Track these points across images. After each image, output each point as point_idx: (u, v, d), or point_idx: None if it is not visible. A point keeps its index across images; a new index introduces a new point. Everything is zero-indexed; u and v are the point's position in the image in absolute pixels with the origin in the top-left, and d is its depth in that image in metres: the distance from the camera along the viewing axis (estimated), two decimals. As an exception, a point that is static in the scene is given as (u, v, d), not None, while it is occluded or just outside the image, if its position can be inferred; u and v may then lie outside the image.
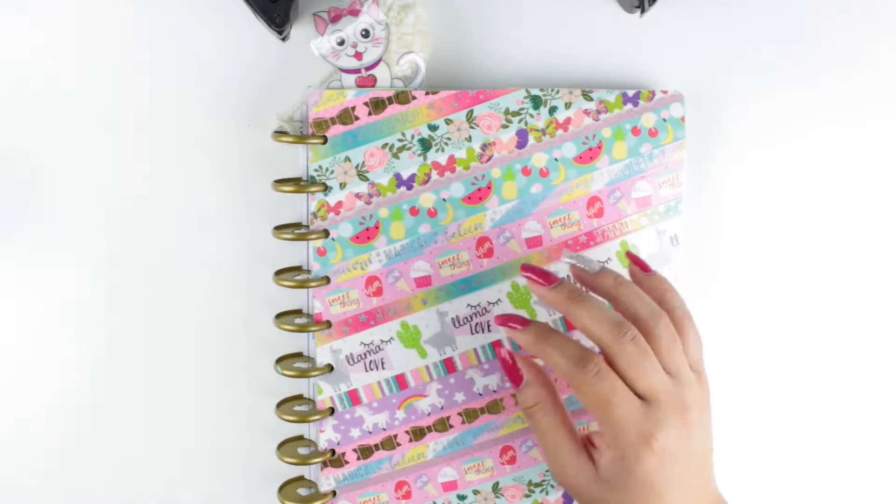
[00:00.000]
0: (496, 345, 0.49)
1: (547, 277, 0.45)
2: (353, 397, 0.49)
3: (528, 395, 0.45)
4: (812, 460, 0.54)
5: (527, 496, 0.51)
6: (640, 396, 0.41)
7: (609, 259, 0.50)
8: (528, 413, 0.45)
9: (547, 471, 0.50)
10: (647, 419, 0.41)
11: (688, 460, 0.42)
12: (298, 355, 0.50)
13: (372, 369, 0.49)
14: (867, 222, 0.53)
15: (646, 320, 0.42)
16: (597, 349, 0.44)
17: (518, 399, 0.46)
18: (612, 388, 0.41)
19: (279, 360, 0.50)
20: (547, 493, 0.51)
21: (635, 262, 0.47)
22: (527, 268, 0.45)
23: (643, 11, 0.48)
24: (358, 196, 0.48)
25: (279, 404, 0.50)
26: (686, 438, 0.42)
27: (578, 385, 0.42)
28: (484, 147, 0.49)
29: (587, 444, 0.45)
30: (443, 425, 0.50)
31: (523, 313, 0.49)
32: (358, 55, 0.48)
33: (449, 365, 0.50)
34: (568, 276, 0.48)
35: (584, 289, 0.44)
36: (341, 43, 0.47)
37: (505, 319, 0.45)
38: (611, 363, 0.42)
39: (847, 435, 0.54)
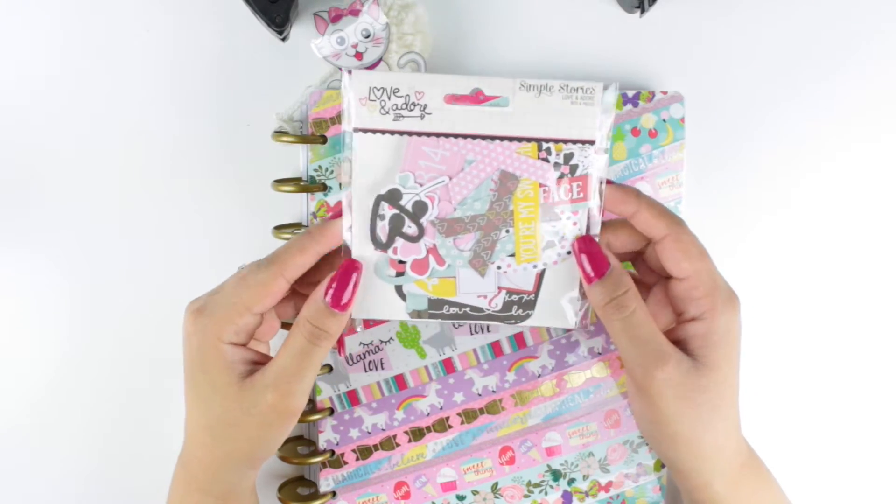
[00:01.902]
0: (582, 239, 0.42)
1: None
2: (353, 397, 0.49)
3: (619, 281, 0.41)
4: (811, 460, 0.54)
5: (526, 496, 0.51)
6: None
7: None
8: (619, 303, 0.41)
9: (546, 471, 0.50)
10: (728, 285, 0.42)
11: None
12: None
13: (371, 370, 0.49)
14: (867, 222, 0.53)
15: (673, 226, 0.42)
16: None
17: (604, 289, 0.41)
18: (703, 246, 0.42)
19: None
20: (546, 494, 0.51)
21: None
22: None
23: (643, 11, 0.48)
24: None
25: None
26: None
27: (680, 234, 0.41)
28: (484, 147, 0.49)
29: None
30: (442, 426, 0.50)
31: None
32: (358, 55, 0.48)
33: (448, 365, 0.50)
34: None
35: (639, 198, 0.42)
36: (342, 43, 0.47)
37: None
38: None
39: (847, 434, 0.54)
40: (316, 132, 0.48)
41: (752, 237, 0.52)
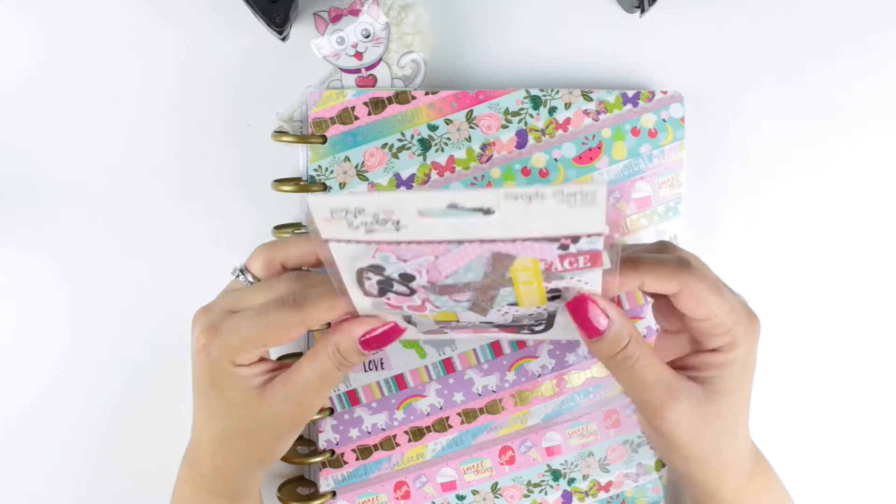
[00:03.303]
0: (574, 301, 0.40)
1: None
2: (352, 397, 0.49)
3: (620, 333, 0.40)
4: (810, 460, 0.54)
5: (526, 496, 0.50)
6: None
7: (609, 259, 0.49)
8: (625, 355, 0.40)
9: (546, 471, 0.50)
10: (743, 302, 0.41)
11: None
12: (298, 355, 0.50)
13: (371, 369, 0.49)
14: (867, 222, 0.53)
15: (682, 274, 0.40)
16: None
17: (606, 342, 0.40)
18: (714, 274, 0.41)
19: (278, 360, 0.50)
20: (546, 494, 0.51)
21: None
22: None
23: (643, 11, 0.48)
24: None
25: (278, 404, 0.50)
26: None
27: (691, 285, 0.39)
28: (483, 147, 0.49)
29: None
30: (442, 425, 0.50)
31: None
32: (358, 55, 0.48)
33: (448, 365, 0.50)
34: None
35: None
36: (341, 43, 0.47)
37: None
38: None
39: (847, 434, 0.54)
40: (316, 132, 0.48)
41: (752, 237, 0.52)
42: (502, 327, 0.43)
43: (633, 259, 0.40)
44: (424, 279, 0.39)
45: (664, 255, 0.41)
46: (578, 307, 0.40)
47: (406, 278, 0.39)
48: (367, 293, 0.40)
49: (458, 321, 0.42)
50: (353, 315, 0.40)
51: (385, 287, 0.39)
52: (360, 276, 0.39)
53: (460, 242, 0.37)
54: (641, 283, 0.40)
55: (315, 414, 0.42)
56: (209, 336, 0.40)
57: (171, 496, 0.46)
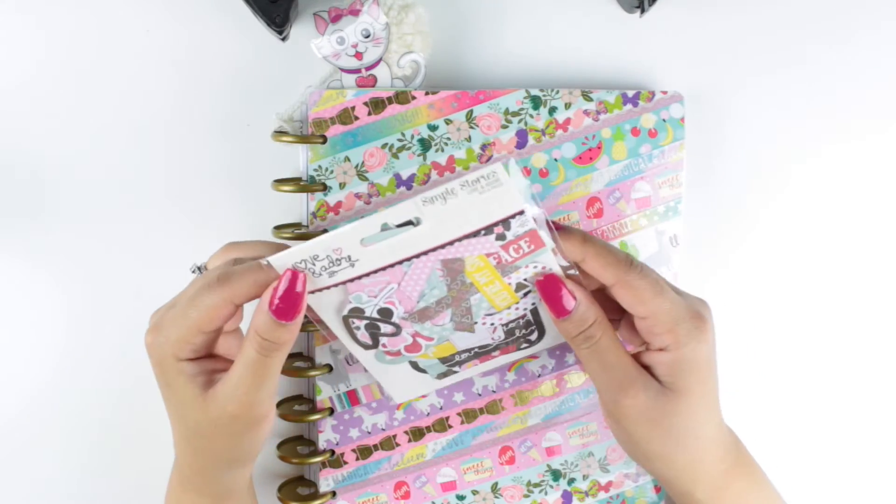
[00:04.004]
0: (545, 280, 0.42)
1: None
2: (352, 397, 0.49)
3: (585, 315, 0.41)
4: (810, 460, 0.54)
5: (525, 496, 0.51)
6: None
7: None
8: (587, 335, 0.41)
9: (546, 471, 0.50)
10: (690, 303, 0.41)
11: (716, 365, 0.43)
12: (298, 355, 0.50)
13: (371, 369, 0.49)
14: (867, 222, 0.53)
15: (621, 273, 0.41)
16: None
17: (572, 324, 0.41)
18: (657, 279, 0.41)
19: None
20: (546, 494, 0.51)
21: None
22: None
23: (643, 11, 0.48)
24: (357, 196, 0.48)
25: (278, 404, 0.50)
26: (714, 339, 0.42)
27: (630, 279, 0.40)
28: (483, 147, 0.49)
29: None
30: (442, 426, 0.50)
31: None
32: (358, 55, 0.48)
33: (448, 365, 0.50)
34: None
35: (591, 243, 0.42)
36: (341, 43, 0.47)
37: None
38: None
39: (846, 435, 0.54)
40: (316, 132, 0.48)
41: (752, 237, 0.52)
42: (502, 349, 0.45)
43: (585, 235, 0.41)
44: (401, 310, 0.42)
45: (615, 248, 0.42)
46: (548, 286, 0.41)
47: (385, 314, 0.42)
48: (364, 346, 0.43)
49: (457, 352, 0.45)
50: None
51: (374, 331, 0.43)
52: (349, 326, 0.42)
53: (409, 260, 0.40)
54: (583, 258, 0.41)
55: (265, 410, 0.41)
56: (153, 334, 0.40)
57: (164, 497, 0.46)
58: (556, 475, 0.51)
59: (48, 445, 0.52)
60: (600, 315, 0.41)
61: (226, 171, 0.51)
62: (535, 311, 0.44)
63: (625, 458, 0.51)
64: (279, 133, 0.48)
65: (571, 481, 0.51)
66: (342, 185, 0.48)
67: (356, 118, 0.48)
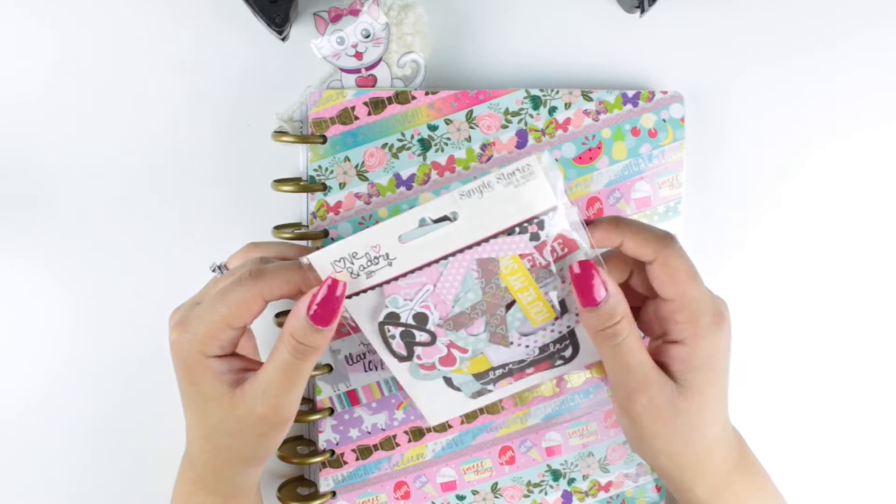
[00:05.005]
0: (581, 264, 0.40)
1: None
2: (352, 397, 0.49)
3: (615, 308, 0.40)
4: (811, 458, 0.54)
5: (526, 496, 0.51)
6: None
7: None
8: (613, 332, 0.40)
9: (546, 471, 0.50)
10: (717, 302, 0.41)
11: (729, 365, 0.43)
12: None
13: (371, 369, 0.49)
14: (867, 221, 0.53)
15: (658, 248, 0.41)
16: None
17: (601, 317, 0.40)
18: (692, 265, 0.41)
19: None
20: (546, 494, 0.51)
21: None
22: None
23: (643, 11, 0.48)
24: (357, 196, 0.48)
25: (278, 404, 0.50)
26: (730, 338, 0.42)
27: (668, 257, 0.40)
28: (483, 147, 0.49)
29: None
30: (441, 426, 0.50)
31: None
32: (358, 55, 0.48)
33: (448, 365, 0.50)
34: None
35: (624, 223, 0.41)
36: (341, 43, 0.47)
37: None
38: None
39: (847, 434, 0.54)
40: (316, 132, 0.48)
41: (752, 237, 0.52)
42: (536, 365, 0.45)
43: (617, 218, 0.41)
44: (436, 316, 0.42)
45: (650, 225, 0.41)
46: (583, 272, 0.40)
47: (420, 319, 0.42)
48: (399, 357, 0.43)
49: (492, 367, 0.44)
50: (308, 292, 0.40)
51: (409, 340, 0.43)
52: (385, 335, 0.43)
53: (445, 259, 0.40)
54: (622, 241, 0.40)
55: (292, 413, 0.41)
56: (179, 331, 0.40)
57: (172, 494, 0.46)
58: (556, 475, 0.51)
59: (51, 445, 0.52)
60: (628, 313, 0.41)
61: (226, 171, 0.51)
62: (572, 331, 0.44)
63: (625, 458, 0.51)
64: (279, 133, 0.48)
65: (571, 481, 0.51)
66: (342, 185, 0.48)
67: (356, 118, 0.48)
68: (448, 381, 0.44)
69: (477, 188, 0.39)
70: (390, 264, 0.40)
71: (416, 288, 0.41)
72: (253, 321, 0.41)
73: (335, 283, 0.40)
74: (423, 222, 0.40)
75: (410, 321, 0.42)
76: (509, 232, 0.40)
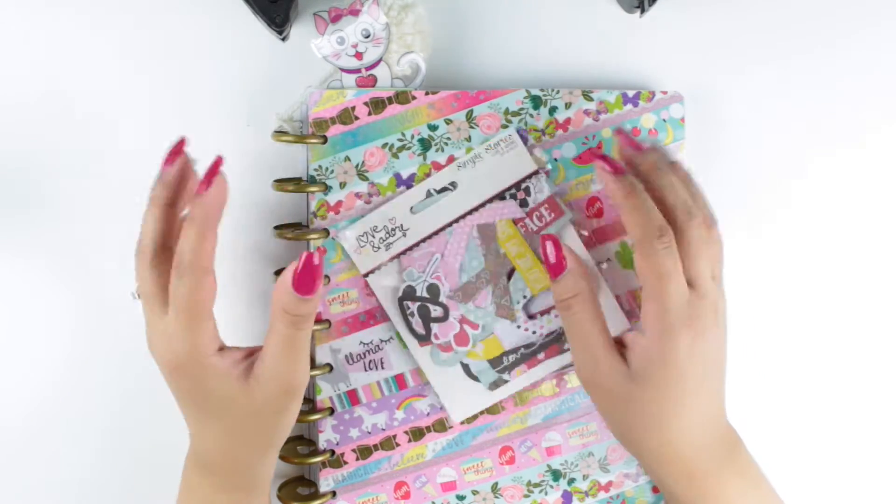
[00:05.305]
0: (543, 238, 0.45)
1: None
2: (353, 397, 0.49)
3: (569, 285, 0.44)
4: (813, 456, 0.54)
5: (526, 496, 0.50)
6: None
7: (609, 259, 0.50)
8: (566, 304, 0.44)
9: (546, 471, 0.50)
10: (690, 305, 0.42)
11: (710, 368, 0.43)
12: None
13: (371, 369, 0.49)
14: (867, 221, 0.53)
15: (682, 216, 0.42)
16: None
17: (557, 289, 0.44)
18: (674, 265, 0.41)
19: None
20: (546, 494, 0.51)
21: (628, 142, 0.45)
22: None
23: (643, 11, 0.48)
24: (358, 196, 0.48)
25: (278, 404, 0.50)
26: (717, 349, 0.43)
27: (647, 252, 0.42)
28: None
29: (618, 345, 0.44)
30: (442, 425, 0.50)
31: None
32: (358, 55, 0.48)
33: (448, 365, 0.50)
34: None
35: (640, 187, 0.43)
36: (341, 43, 0.47)
37: (602, 156, 0.43)
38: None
39: (848, 434, 0.54)
40: (316, 132, 0.48)
41: (752, 237, 0.52)
42: (546, 349, 0.49)
43: (631, 189, 0.43)
44: (447, 287, 0.48)
45: (655, 212, 0.42)
46: (545, 245, 0.44)
47: (433, 291, 0.48)
48: (420, 339, 0.49)
49: (504, 352, 0.49)
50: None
51: (425, 314, 0.48)
52: (404, 312, 0.48)
53: (450, 227, 0.48)
54: (621, 210, 0.43)
55: (306, 378, 0.43)
56: (168, 353, 0.41)
57: (182, 499, 0.45)
58: (556, 475, 0.51)
59: (52, 446, 0.52)
60: (586, 291, 0.43)
61: (226, 171, 0.50)
62: None
63: (625, 458, 0.51)
64: (279, 133, 0.48)
65: (571, 481, 0.51)
66: (342, 185, 0.48)
67: (356, 118, 0.48)
68: (466, 368, 0.48)
69: (470, 159, 0.48)
70: (405, 235, 0.47)
71: (427, 258, 0.47)
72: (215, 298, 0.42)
73: (310, 254, 0.41)
74: (429, 193, 0.48)
75: (425, 294, 0.48)
76: (501, 197, 0.48)
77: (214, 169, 0.42)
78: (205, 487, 0.44)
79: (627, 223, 0.43)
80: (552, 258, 0.44)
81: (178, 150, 0.43)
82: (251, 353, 0.43)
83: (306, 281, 0.41)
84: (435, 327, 0.48)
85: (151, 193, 0.43)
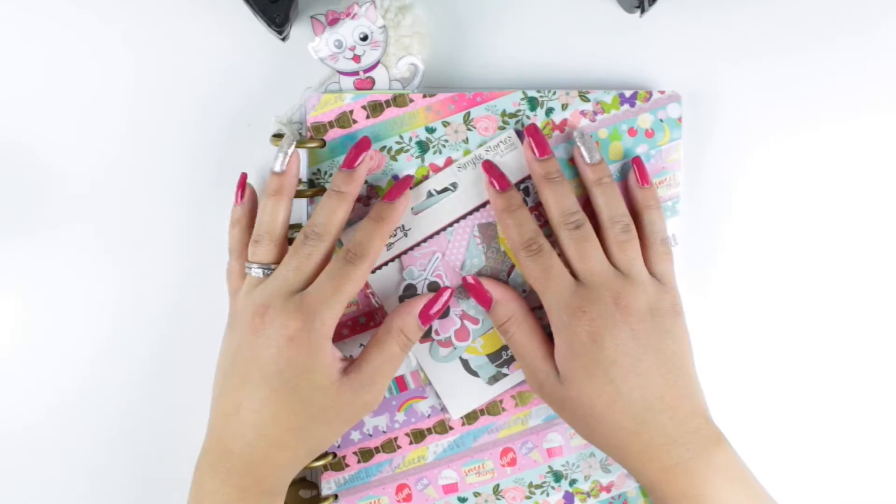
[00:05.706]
0: (464, 280, 0.48)
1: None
2: (353, 400, 0.49)
3: (500, 313, 0.47)
4: (808, 459, 0.54)
5: (527, 498, 0.50)
6: (576, 279, 0.45)
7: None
8: (503, 329, 0.47)
9: (548, 472, 0.50)
10: (576, 296, 0.44)
11: (636, 352, 0.43)
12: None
13: (371, 371, 0.49)
14: (866, 221, 0.53)
15: (606, 221, 0.46)
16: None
17: (492, 319, 0.47)
18: (548, 264, 0.45)
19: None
20: (548, 495, 0.50)
21: (639, 168, 0.48)
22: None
23: (643, 11, 0.48)
24: (357, 198, 0.48)
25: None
26: (635, 335, 0.43)
27: (521, 261, 0.45)
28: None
29: None
30: (443, 427, 0.50)
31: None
32: (356, 58, 0.48)
33: (449, 366, 0.50)
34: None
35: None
36: (339, 46, 0.47)
37: (490, 170, 0.47)
38: (559, 246, 0.46)
39: (844, 434, 0.54)
40: (315, 136, 0.48)
41: (750, 235, 0.52)
42: None
43: (603, 173, 0.47)
44: (448, 285, 0.48)
45: (573, 206, 0.46)
46: (469, 288, 0.48)
47: (434, 289, 0.48)
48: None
49: (504, 346, 0.49)
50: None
51: None
52: None
53: (451, 226, 0.48)
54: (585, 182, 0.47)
55: (381, 400, 0.46)
56: (304, 320, 0.42)
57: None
58: (558, 476, 0.50)
59: (70, 447, 0.52)
60: (517, 312, 0.46)
61: (226, 171, 0.51)
62: None
63: (626, 458, 0.50)
64: (277, 137, 0.48)
65: (573, 482, 0.51)
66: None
67: (354, 121, 0.48)
68: (465, 363, 0.49)
69: (471, 160, 0.48)
70: (406, 235, 0.48)
71: (428, 257, 0.48)
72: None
73: (444, 289, 0.47)
74: (430, 194, 0.48)
75: (426, 291, 0.48)
76: None
77: (405, 183, 0.47)
78: (232, 489, 0.42)
79: (505, 236, 0.47)
80: (477, 299, 0.47)
81: (242, 183, 0.48)
82: (345, 360, 0.45)
83: (432, 315, 0.47)
84: (435, 323, 0.49)
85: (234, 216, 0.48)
